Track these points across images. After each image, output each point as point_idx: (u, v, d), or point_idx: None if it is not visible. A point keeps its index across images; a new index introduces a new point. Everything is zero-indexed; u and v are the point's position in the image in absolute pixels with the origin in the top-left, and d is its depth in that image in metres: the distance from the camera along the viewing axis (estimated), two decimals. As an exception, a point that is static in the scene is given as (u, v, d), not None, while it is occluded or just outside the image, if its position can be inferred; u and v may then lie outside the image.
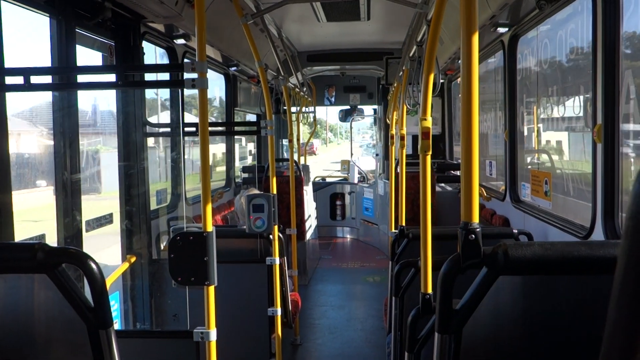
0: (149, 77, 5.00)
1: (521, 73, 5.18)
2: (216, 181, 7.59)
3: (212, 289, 2.56)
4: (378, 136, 11.94)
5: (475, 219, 1.60)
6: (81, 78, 3.70)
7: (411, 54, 4.62)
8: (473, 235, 1.57)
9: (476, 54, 1.60)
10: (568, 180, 4.21)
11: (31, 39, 3.81)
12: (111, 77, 3.19)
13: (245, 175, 8.02)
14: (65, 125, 3.45)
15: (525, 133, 5.31)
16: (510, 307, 1.70)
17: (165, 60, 5.28)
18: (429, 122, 2.45)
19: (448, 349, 1.63)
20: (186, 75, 2.61)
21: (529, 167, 5.23)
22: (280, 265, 4.25)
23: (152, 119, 6.06)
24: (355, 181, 11.74)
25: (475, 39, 1.60)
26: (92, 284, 1.73)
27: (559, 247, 1.54)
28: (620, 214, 3.15)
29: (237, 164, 8.35)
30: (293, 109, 8.62)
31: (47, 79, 3.39)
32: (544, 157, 5.05)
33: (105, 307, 1.75)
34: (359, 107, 11.81)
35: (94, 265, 1.73)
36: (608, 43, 3.04)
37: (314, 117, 11.11)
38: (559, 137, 4.70)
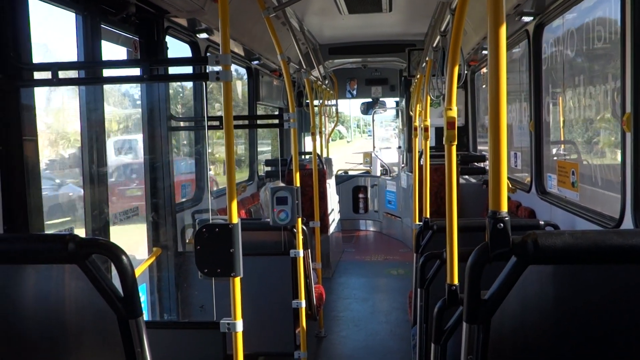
0: (172, 71, 5.03)
1: (546, 62, 5.10)
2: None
3: (238, 280, 2.58)
4: (401, 128, 11.88)
5: (504, 207, 1.58)
6: (107, 73, 3.74)
7: (434, 45, 4.58)
8: (502, 224, 1.55)
9: (504, 44, 1.57)
10: (596, 171, 4.14)
11: (59, 35, 3.86)
12: (136, 72, 3.23)
13: (268, 168, 8.05)
14: (92, 120, 3.50)
15: (551, 123, 5.24)
16: (539, 298, 1.68)
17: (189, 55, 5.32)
18: (454, 112, 2.43)
19: (476, 339, 1.62)
20: (210, 69, 2.63)
21: (555, 158, 5.16)
22: (304, 257, 4.26)
23: (178, 113, 6.12)
24: (378, 174, 11.71)
25: (503, 29, 1.57)
26: (122, 274, 1.75)
27: (590, 236, 1.52)
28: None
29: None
30: (315, 102, 8.61)
31: (74, 74, 3.44)
32: (571, 147, 4.97)
33: (134, 297, 1.78)
34: (380, 99, 11.76)
35: (123, 256, 1.75)
36: (637, 29, 2.97)
37: (336, 110, 11.09)
38: (586, 127, 4.62)
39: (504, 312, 1.62)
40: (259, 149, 8.29)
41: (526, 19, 4.93)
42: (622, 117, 3.14)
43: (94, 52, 3.51)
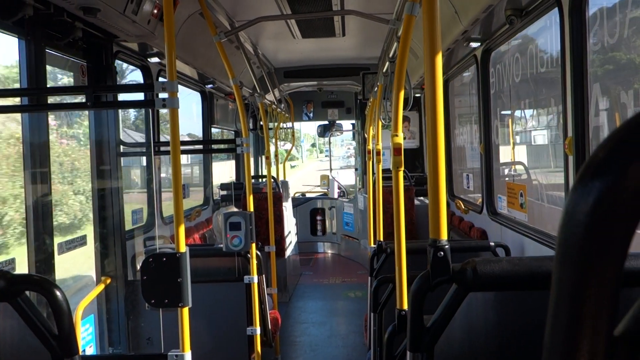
0: (122, 96, 4.95)
1: (495, 86, 5.24)
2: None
3: (186, 310, 2.53)
4: (357, 150, 11.99)
5: (444, 235, 1.59)
6: (52, 99, 3.65)
7: (385, 70, 4.65)
8: (442, 252, 1.56)
9: (440, 70, 1.60)
10: (543, 191, 4.24)
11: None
12: (83, 97, 3.16)
13: (224, 192, 7.98)
14: (36, 147, 3.40)
15: (501, 146, 5.36)
16: (483, 324, 1.70)
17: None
18: (400, 139, 2.46)
19: (420, 368, 1.62)
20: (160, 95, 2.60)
21: (506, 179, 5.27)
22: (259, 283, 4.21)
23: (128, 138, 6.01)
24: (335, 196, 11.74)
25: (439, 57, 1.60)
26: (57, 311, 1.69)
27: (526, 263, 1.54)
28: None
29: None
30: (270, 125, 8.61)
31: (16, 101, 3.34)
32: (520, 168, 5.09)
33: (70, 336, 1.71)
34: (337, 122, 11.85)
35: (57, 292, 1.69)
36: (576, 57, 3.08)
37: (292, 132, 11.12)
38: (533, 149, 4.75)
39: (448, 339, 1.63)
40: (221, 169, 8.20)
41: (474, 44, 5.06)
42: (564, 141, 3.23)
43: (38, 77, 3.42)
